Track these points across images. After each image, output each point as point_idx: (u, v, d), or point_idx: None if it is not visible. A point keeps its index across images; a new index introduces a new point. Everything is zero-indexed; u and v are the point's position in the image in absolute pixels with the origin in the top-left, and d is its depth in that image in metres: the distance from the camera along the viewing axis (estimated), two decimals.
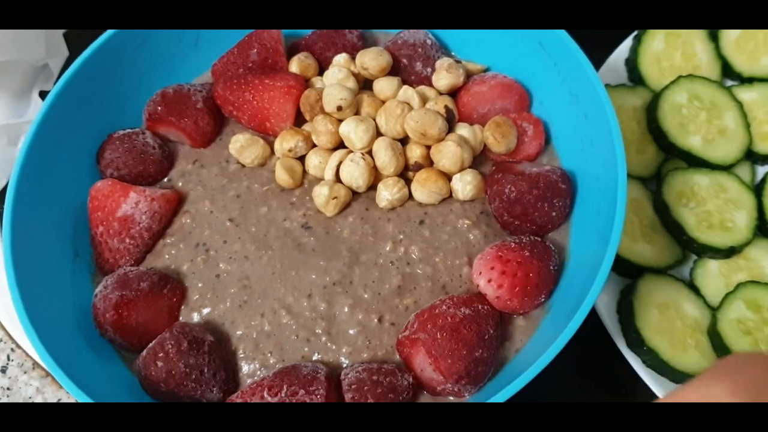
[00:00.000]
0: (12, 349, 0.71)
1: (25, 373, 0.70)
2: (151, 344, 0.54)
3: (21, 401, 0.68)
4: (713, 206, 0.68)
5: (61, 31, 0.84)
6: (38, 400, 0.68)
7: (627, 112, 0.74)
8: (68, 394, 0.68)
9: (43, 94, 0.81)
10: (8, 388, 0.69)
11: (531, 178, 0.58)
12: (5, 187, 0.77)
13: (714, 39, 0.76)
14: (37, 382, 0.69)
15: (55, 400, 0.68)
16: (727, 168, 0.70)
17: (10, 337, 0.71)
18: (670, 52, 0.76)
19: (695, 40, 0.77)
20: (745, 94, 0.74)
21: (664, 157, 0.73)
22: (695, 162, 0.70)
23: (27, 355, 0.70)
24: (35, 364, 0.70)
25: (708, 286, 0.66)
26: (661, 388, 0.60)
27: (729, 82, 0.77)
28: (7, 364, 0.70)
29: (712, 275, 0.67)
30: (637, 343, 0.61)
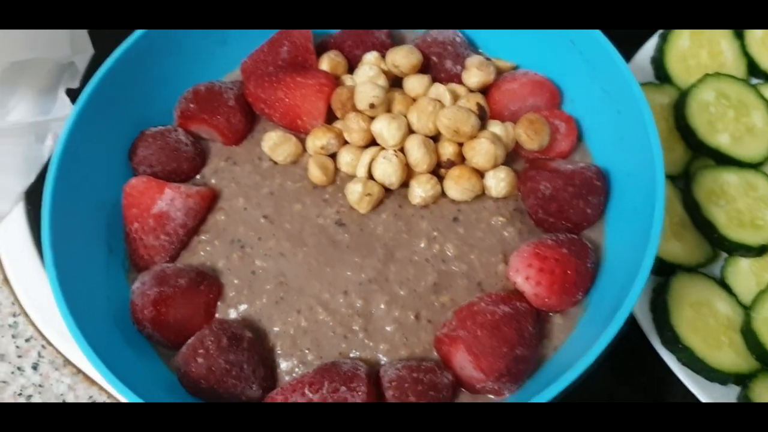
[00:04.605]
0: (43, 346, 0.71)
1: (56, 370, 0.70)
2: (190, 341, 0.55)
3: (53, 398, 0.68)
4: (743, 204, 0.68)
5: (86, 29, 0.85)
6: (70, 397, 0.68)
7: (654, 111, 0.73)
8: (100, 391, 0.68)
9: (69, 92, 0.81)
10: (40, 385, 0.69)
11: (566, 175, 0.58)
12: (34, 183, 0.78)
13: (739, 37, 0.77)
14: (69, 379, 0.69)
15: (86, 398, 0.68)
16: (755, 166, 0.70)
17: (41, 335, 0.71)
18: (696, 50, 0.77)
19: (720, 38, 0.77)
20: None
21: (692, 155, 0.73)
22: (724, 160, 0.71)
23: (58, 352, 0.70)
24: (66, 361, 0.70)
25: (740, 285, 0.66)
26: (696, 386, 0.60)
27: (754, 80, 0.77)
28: (38, 361, 0.70)
29: (744, 273, 0.67)
30: (672, 341, 0.61)
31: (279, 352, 0.57)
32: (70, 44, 0.81)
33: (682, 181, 0.71)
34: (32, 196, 0.78)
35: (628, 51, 0.76)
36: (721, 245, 0.67)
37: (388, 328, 0.57)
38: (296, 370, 0.56)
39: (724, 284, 0.67)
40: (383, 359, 0.56)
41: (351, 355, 0.56)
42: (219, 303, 0.59)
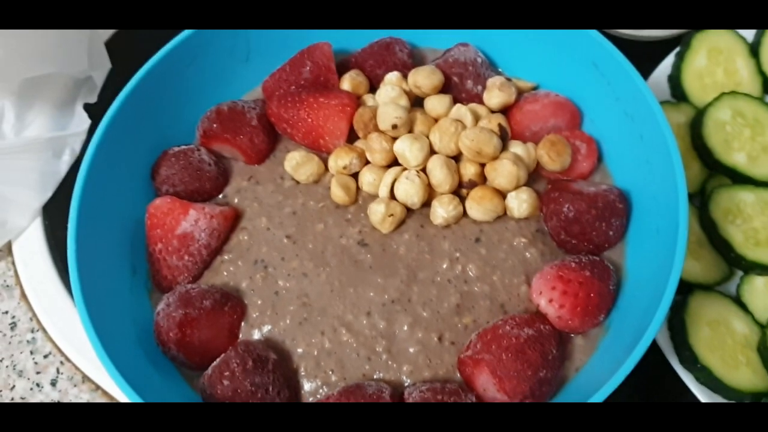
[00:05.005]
0: (61, 362, 0.71)
1: (75, 386, 0.70)
2: (216, 362, 0.55)
3: None
4: (759, 223, 0.69)
5: (103, 43, 0.85)
6: None
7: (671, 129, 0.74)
8: None
9: (87, 107, 0.81)
10: (59, 402, 0.69)
11: (589, 198, 0.58)
12: (51, 198, 0.78)
13: (755, 55, 0.77)
14: (87, 395, 0.70)
15: None
16: None
17: (60, 351, 0.71)
18: (713, 68, 0.77)
19: (736, 56, 0.77)
20: None
21: (708, 174, 0.73)
22: (739, 179, 0.71)
23: (76, 368, 0.71)
24: (85, 378, 0.70)
25: (755, 303, 0.67)
26: None
27: None
28: (57, 377, 0.71)
29: (759, 292, 0.67)
30: (691, 360, 0.62)
31: (303, 373, 0.57)
32: (88, 59, 0.81)
33: (699, 200, 0.72)
34: (49, 212, 0.79)
35: (645, 69, 0.77)
36: (737, 264, 0.68)
37: (411, 350, 0.57)
38: (320, 391, 0.57)
39: (740, 302, 0.67)
40: (407, 381, 0.56)
41: (375, 376, 0.57)
42: (243, 324, 0.59)
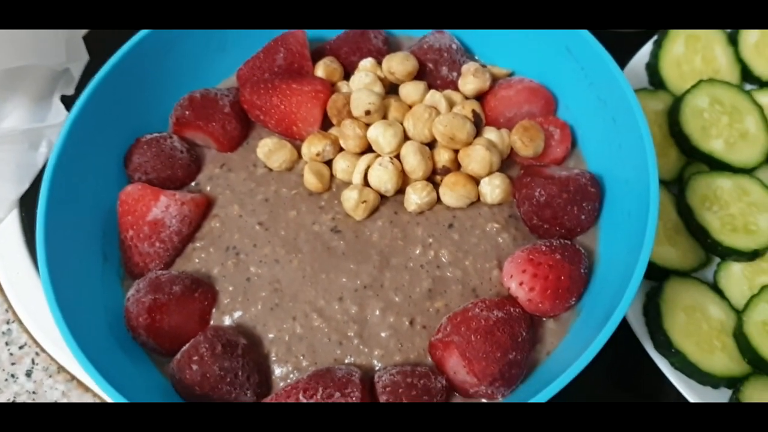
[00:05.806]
0: (37, 353, 0.71)
1: (50, 377, 0.70)
2: (185, 347, 0.55)
3: None
4: (736, 209, 0.69)
5: (81, 36, 0.85)
6: None
7: (649, 116, 0.74)
8: (94, 398, 0.68)
9: (64, 99, 0.81)
10: (33, 392, 0.69)
11: (561, 182, 0.58)
12: (28, 190, 0.78)
13: (733, 43, 0.77)
14: (63, 386, 0.69)
15: None
16: (748, 171, 0.71)
17: (35, 342, 0.71)
18: (691, 56, 0.77)
19: (715, 44, 0.77)
20: (765, 98, 0.75)
21: (686, 161, 0.73)
22: (717, 165, 0.71)
23: (51, 359, 0.70)
24: (60, 368, 0.70)
25: (732, 289, 0.67)
26: (689, 390, 0.60)
27: (748, 86, 0.77)
28: (32, 368, 0.70)
29: (736, 278, 0.67)
30: (665, 345, 0.61)
31: (274, 358, 0.57)
32: (66, 51, 0.81)
33: (676, 187, 0.72)
34: (26, 204, 0.78)
35: (623, 57, 0.77)
36: (714, 250, 0.68)
37: (382, 334, 0.57)
38: (291, 376, 0.56)
39: (716, 289, 0.67)
40: (378, 365, 0.56)
41: (346, 361, 0.56)
42: (214, 310, 0.59)
